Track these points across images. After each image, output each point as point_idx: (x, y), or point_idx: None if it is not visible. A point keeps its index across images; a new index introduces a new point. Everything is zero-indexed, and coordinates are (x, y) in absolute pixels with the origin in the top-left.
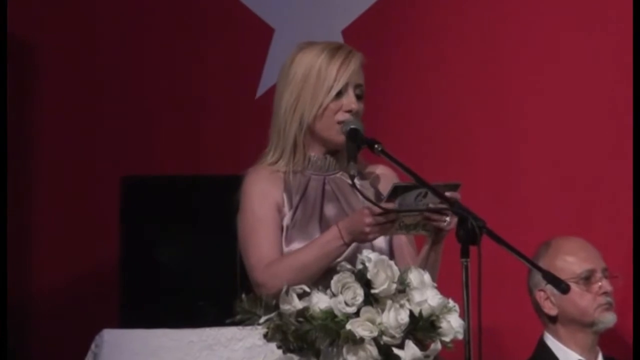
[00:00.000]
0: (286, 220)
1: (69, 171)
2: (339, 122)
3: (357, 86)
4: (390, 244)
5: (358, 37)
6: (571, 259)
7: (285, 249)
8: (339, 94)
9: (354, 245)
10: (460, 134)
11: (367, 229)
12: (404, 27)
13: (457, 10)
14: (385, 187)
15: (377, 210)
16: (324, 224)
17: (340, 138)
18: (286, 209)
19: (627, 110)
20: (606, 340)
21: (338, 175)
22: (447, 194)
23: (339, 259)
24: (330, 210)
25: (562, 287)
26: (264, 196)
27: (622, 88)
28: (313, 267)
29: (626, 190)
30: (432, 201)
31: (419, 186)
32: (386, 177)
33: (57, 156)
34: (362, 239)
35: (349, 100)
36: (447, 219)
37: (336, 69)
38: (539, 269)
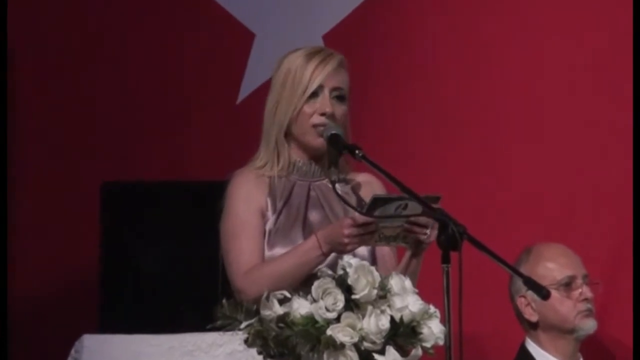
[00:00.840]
0: (269, 225)
1: (49, 176)
2: (314, 125)
3: (334, 89)
4: (373, 252)
5: (339, 42)
6: (552, 266)
7: (268, 254)
8: (315, 96)
9: None
10: (443, 140)
11: (346, 240)
12: (385, 32)
13: (439, 15)
14: (368, 195)
15: (357, 221)
16: (308, 230)
17: (317, 142)
18: (269, 213)
19: (613, 118)
20: (589, 346)
21: (324, 181)
22: None
23: (320, 266)
24: (314, 216)
25: (543, 293)
26: (248, 200)
27: (609, 96)
28: (292, 276)
29: (610, 197)
30: (412, 213)
31: (399, 198)
32: (370, 184)
33: (37, 161)
34: (340, 249)
35: (324, 102)
36: (427, 231)
37: (310, 70)
38: (520, 274)
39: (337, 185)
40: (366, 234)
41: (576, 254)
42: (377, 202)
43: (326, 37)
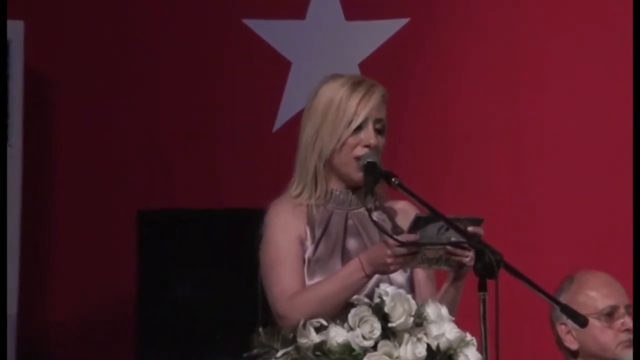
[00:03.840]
0: (308, 254)
1: (85, 204)
2: (357, 158)
3: (377, 121)
4: (411, 280)
5: (375, 70)
6: (594, 294)
7: (307, 282)
8: (358, 129)
9: (373, 279)
10: (478, 166)
11: (389, 260)
12: (420, 60)
13: (474, 43)
14: (405, 223)
15: (400, 240)
16: (346, 259)
17: (358, 175)
18: (308, 242)
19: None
20: None
21: (361, 210)
22: (470, 228)
23: (357, 295)
24: (352, 244)
25: (581, 320)
26: (287, 229)
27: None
28: (335, 299)
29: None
30: (454, 235)
31: (441, 218)
32: (406, 212)
33: (73, 189)
34: (383, 270)
35: (368, 135)
36: (470, 254)
37: (356, 103)
38: (557, 302)
39: (373, 213)
40: (409, 255)
41: (619, 283)
42: (420, 221)
43: (362, 65)
